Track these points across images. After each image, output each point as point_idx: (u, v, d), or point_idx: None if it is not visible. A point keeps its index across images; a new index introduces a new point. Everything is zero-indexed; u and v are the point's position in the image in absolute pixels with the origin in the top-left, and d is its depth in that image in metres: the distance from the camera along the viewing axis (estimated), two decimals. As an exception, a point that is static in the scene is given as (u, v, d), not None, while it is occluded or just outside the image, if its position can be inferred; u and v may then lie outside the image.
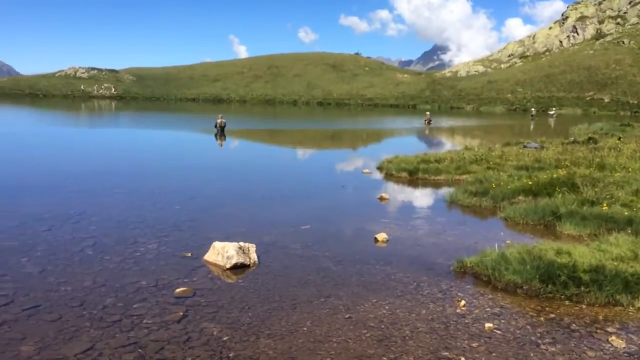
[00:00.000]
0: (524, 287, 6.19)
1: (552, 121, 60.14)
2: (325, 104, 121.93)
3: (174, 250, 7.58)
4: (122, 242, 7.87)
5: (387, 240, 8.37)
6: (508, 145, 22.73)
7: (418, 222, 9.98)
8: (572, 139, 24.90)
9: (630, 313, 5.62)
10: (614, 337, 5.03)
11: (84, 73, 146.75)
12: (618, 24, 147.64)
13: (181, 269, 6.78)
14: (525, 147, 20.91)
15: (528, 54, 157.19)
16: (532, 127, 47.67)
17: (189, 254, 7.39)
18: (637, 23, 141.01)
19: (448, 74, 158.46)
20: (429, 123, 46.17)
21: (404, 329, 5.18)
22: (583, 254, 6.65)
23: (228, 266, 6.85)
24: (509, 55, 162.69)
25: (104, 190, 12.13)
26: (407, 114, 78.45)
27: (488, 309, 5.72)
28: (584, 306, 5.77)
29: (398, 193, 13.26)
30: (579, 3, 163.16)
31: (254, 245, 7.32)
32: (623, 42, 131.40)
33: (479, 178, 13.14)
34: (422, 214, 10.76)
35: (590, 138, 23.69)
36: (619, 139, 23.83)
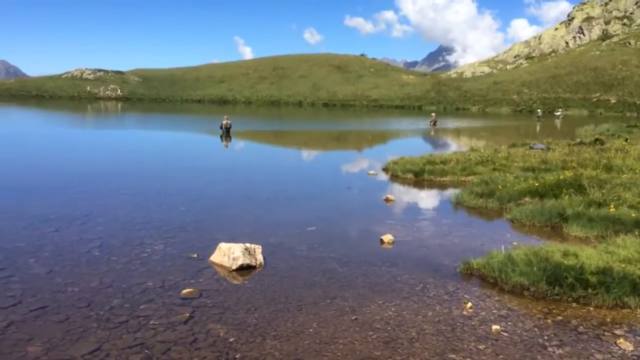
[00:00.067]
0: (531, 289, 6.16)
1: (558, 122, 59.90)
2: (330, 105, 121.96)
3: (180, 251, 7.60)
4: (128, 243, 7.90)
5: (393, 242, 8.36)
6: (514, 146, 22.66)
7: (424, 223, 9.96)
8: (579, 140, 24.79)
9: (638, 315, 5.59)
10: (621, 340, 5.00)
11: (90, 74, 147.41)
12: (624, 24, 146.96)
13: (187, 270, 6.79)
14: (531, 148, 20.84)
15: (534, 54, 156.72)
16: (538, 128, 47.50)
17: (195, 255, 7.40)
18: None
19: (453, 75, 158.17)
20: (434, 124, 46.08)
21: (411, 331, 5.17)
22: (590, 256, 6.62)
23: (234, 267, 6.86)
24: (515, 56, 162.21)
25: (110, 191, 12.17)
26: (413, 115, 78.37)
27: (495, 311, 5.70)
28: (591, 308, 5.74)
29: (404, 194, 13.24)
30: (585, 4, 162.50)
31: (260, 247, 7.32)
32: (629, 43, 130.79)
33: (485, 179, 13.09)
34: (428, 216, 10.74)
35: (596, 139, 23.58)
36: (626, 140, 23.70)
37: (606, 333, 5.19)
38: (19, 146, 23.19)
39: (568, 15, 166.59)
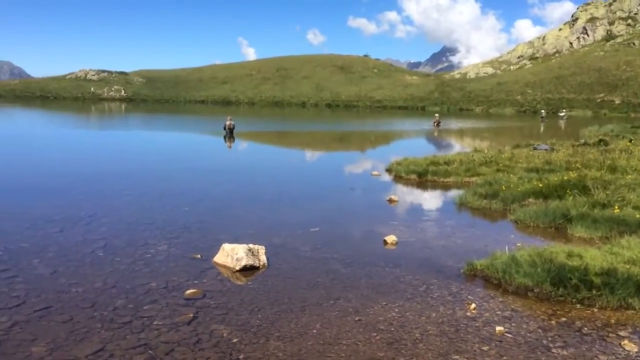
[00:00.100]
0: (535, 290, 6.14)
1: (562, 123, 59.79)
2: (333, 105, 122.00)
3: (184, 252, 7.61)
4: (132, 244, 7.91)
5: (397, 243, 8.35)
6: (518, 147, 22.62)
7: (427, 224, 9.95)
8: (583, 141, 24.71)
9: (643, 317, 5.56)
10: (626, 341, 4.98)
11: (94, 75, 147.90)
12: (629, 25, 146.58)
13: (191, 271, 6.80)
14: (535, 149, 20.79)
15: (538, 55, 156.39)
16: (542, 129, 47.39)
17: (199, 256, 7.41)
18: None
19: (457, 76, 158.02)
20: (437, 125, 46.02)
21: (414, 332, 5.16)
22: (594, 257, 6.60)
23: (237, 268, 6.86)
24: (519, 57, 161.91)
25: (114, 192, 12.20)
26: (416, 116, 78.31)
27: (499, 312, 5.69)
28: (595, 310, 5.72)
29: (407, 195, 13.23)
30: (589, 4, 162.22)
31: (264, 247, 7.32)
32: (634, 44, 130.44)
33: (488, 180, 13.07)
34: (432, 217, 10.73)
35: (601, 140, 23.50)
36: (630, 141, 23.61)
37: (611, 334, 5.17)
38: (24, 147, 23.26)
39: (572, 16, 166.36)
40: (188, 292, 6.05)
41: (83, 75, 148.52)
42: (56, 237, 8.15)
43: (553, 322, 5.45)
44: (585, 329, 5.29)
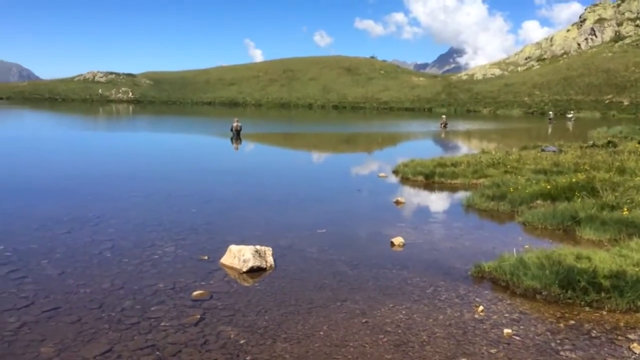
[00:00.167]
0: (543, 293, 6.11)
1: (570, 124, 59.48)
2: (340, 107, 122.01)
3: (191, 253, 7.63)
4: (139, 245, 7.94)
5: (404, 245, 8.33)
6: (526, 148, 22.53)
7: (435, 226, 9.92)
8: (591, 142, 24.59)
9: (653, 320, 5.52)
10: (635, 344, 4.94)
11: (102, 77, 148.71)
12: (637, 26, 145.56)
13: (198, 272, 6.81)
14: (543, 150, 20.70)
15: (545, 56, 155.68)
16: (550, 130, 47.17)
17: (206, 257, 7.42)
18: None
19: (464, 77, 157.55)
20: (445, 126, 45.92)
21: (421, 334, 5.15)
22: (603, 260, 6.55)
23: (244, 269, 6.87)
24: (526, 58, 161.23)
25: (122, 193, 12.25)
26: (423, 118, 78.16)
27: (507, 315, 5.66)
28: (604, 312, 5.68)
29: (414, 197, 13.20)
30: (597, 5, 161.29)
31: (270, 249, 7.33)
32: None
33: (496, 182, 13.02)
34: (439, 218, 10.69)
35: (609, 141, 23.37)
36: (639, 142, 23.46)
37: (619, 337, 5.13)
38: (33, 149, 23.41)
39: (580, 17, 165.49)
40: (195, 293, 6.07)
41: (91, 77, 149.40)
42: (64, 238, 8.20)
43: (561, 324, 5.42)
44: (594, 331, 5.26)
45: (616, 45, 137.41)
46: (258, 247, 7.19)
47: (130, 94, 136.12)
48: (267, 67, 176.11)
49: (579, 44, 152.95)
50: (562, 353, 4.80)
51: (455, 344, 4.95)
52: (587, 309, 5.77)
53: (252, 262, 6.92)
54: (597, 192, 10.66)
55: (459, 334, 5.17)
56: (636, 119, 74.98)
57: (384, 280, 6.68)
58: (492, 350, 4.83)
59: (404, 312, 5.68)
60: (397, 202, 11.87)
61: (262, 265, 7.00)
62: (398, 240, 8.40)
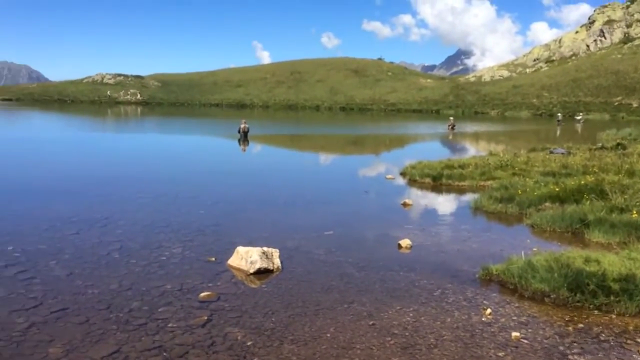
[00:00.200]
0: (552, 296, 6.07)
1: (579, 126, 59.13)
2: (347, 109, 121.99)
3: (198, 254, 7.65)
4: (147, 246, 7.97)
5: (411, 247, 8.31)
6: (534, 150, 22.41)
7: (442, 228, 9.89)
8: (600, 144, 24.41)
9: (663, 324, 5.47)
10: (645, 349, 4.90)
11: (110, 79, 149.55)
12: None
13: (205, 274, 6.83)
14: (551, 152, 20.60)
15: (554, 58, 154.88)
16: (558, 132, 46.91)
17: (213, 259, 7.44)
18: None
19: (472, 79, 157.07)
20: (452, 128, 45.77)
21: (429, 337, 5.13)
22: (612, 263, 6.50)
23: (252, 271, 6.88)
24: (535, 60, 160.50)
25: (130, 194, 12.30)
26: (431, 119, 77.97)
27: (515, 318, 5.63)
28: (613, 316, 5.64)
29: (422, 199, 13.16)
30: (606, 6, 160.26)
31: (278, 251, 7.33)
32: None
33: (504, 184, 12.97)
34: (446, 221, 10.66)
35: (618, 144, 23.20)
36: (649, 144, 23.28)
37: (629, 341, 5.09)
38: (42, 150, 23.56)
39: (589, 18, 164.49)
40: (202, 294, 6.08)
41: (100, 79, 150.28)
42: (73, 239, 8.24)
43: (570, 328, 5.38)
44: (603, 335, 5.22)
45: (625, 46, 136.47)
46: (265, 248, 7.20)
47: (139, 95, 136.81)
48: (274, 68, 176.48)
49: (587, 46, 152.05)
50: (570, 357, 4.76)
51: (463, 347, 4.93)
52: (596, 312, 5.73)
53: (259, 264, 6.92)
54: (606, 195, 10.59)
55: (467, 337, 5.14)
56: (646, 121, 74.39)
57: (391, 283, 6.67)
58: (500, 354, 4.80)
59: (411, 314, 5.67)
60: (405, 204, 11.85)
61: (269, 267, 7.01)
62: (405, 242, 8.39)
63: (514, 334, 5.19)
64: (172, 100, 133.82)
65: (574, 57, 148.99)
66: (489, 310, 5.75)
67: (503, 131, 50.61)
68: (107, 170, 16.88)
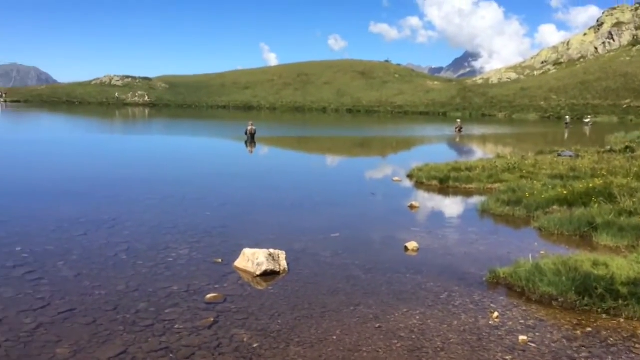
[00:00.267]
0: (560, 300, 6.04)
1: (587, 129, 58.81)
2: (354, 111, 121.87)
3: (205, 256, 7.66)
4: (154, 248, 7.99)
5: (418, 249, 8.29)
6: (542, 153, 22.30)
7: (449, 231, 9.86)
8: (609, 147, 24.27)
9: (672, 328, 5.42)
10: (654, 353, 4.86)
11: (118, 81, 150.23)
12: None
13: (212, 275, 6.84)
14: (559, 155, 20.49)
15: (562, 60, 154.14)
16: (566, 135, 46.66)
17: (220, 260, 7.45)
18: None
19: (479, 81, 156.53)
20: (459, 131, 45.63)
21: (436, 340, 5.11)
22: (621, 266, 6.46)
23: (258, 273, 6.88)
24: (543, 62, 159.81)
25: (138, 196, 12.35)
26: (438, 122, 77.78)
27: (522, 321, 5.60)
28: (622, 320, 5.60)
29: (428, 201, 13.13)
30: (614, 9, 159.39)
31: (284, 253, 7.34)
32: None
33: (511, 187, 12.90)
34: (454, 223, 10.63)
35: (627, 147, 23.04)
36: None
37: (637, 345, 5.05)
38: (50, 151, 23.69)
39: (597, 21, 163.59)
40: (209, 296, 6.09)
41: (108, 80, 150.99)
42: (80, 240, 8.28)
43: (578, 332, 5.35)
44: (611, 339, 5.18)
45: (634, 49, 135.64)
46: (272, 250, 7.20)
47: (146, 97, 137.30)
48: (281, 71, 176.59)
49: (596, 48, 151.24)
50: (578, 361, 4.73)
51: (470, 350, 4.91)
52: (604, 316, 5.69)
53: (266, 266, 6.93)
54: (615, 198, 10.52)
55: (474, 340, 5.12)
56: (655, 123, 73.90)
57: (398, 285, 6.65)
58: (507, 357, 4.78)
59: (417, 317, 5.65)
60: (412, 207, 11.82)
61: (275, 269, 7.01)
62: (412, 244, 8.37)
63: (522, 337, 5.16)
64: (179, 102, 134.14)
65: (582, 60, 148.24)
66: (496, 314, 5.73)
67: (510, 134, 50.41)
68: (114, 172, 16.95)
